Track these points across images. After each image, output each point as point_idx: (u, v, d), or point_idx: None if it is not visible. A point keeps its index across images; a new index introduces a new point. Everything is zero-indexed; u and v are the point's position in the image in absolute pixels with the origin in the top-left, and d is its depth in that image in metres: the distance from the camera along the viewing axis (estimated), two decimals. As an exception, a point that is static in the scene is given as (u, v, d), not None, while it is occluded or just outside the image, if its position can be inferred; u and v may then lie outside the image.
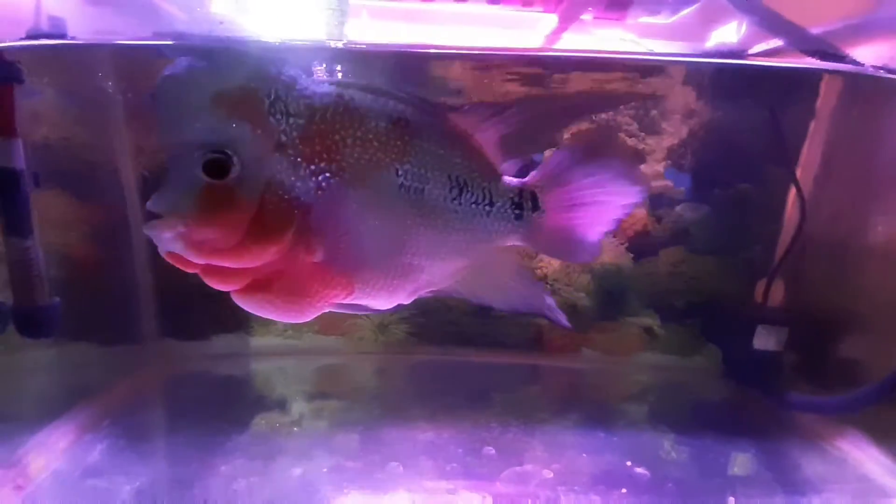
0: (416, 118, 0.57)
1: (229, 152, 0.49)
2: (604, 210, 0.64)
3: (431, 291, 0.64)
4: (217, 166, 0.49)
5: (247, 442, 1.02)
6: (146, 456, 0.97)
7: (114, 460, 0.94)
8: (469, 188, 0.59)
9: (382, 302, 0.60)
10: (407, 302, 0.62)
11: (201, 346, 1.33)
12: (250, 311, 0.56)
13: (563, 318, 0.67)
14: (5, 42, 0.78)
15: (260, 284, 0.54)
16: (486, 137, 0.60)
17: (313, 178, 0.52)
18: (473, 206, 0.60)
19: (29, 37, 0.75)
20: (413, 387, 1.34)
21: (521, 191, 0.61)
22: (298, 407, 1.17)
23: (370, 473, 0.91)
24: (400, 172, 0.56)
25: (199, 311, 1.31)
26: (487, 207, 0.60)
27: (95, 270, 1.18)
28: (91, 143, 1.17)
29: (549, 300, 0.67)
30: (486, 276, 0.65)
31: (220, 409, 1.15)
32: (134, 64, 1.02)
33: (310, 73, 0.56)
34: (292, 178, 0.52)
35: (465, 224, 0.60)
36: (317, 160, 0.53)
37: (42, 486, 0.86)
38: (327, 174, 0.53)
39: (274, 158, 0.51)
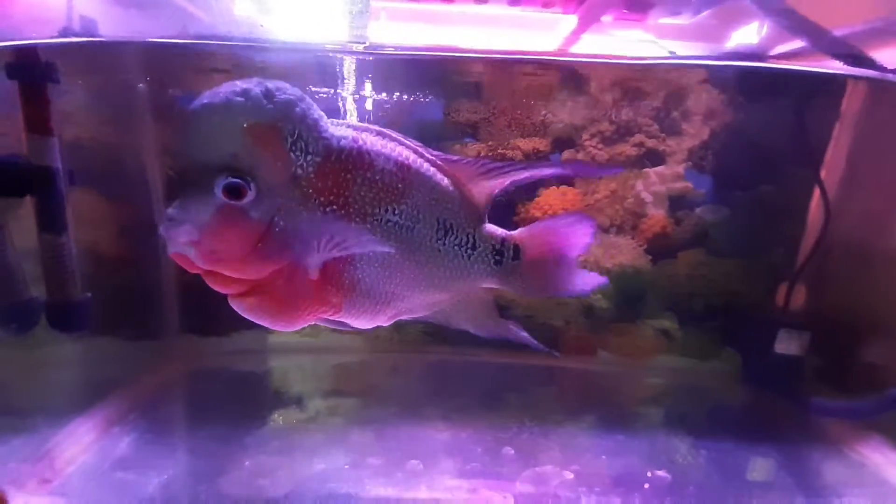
0: (418, 164, 0.64)
1: (248, 178, 0.56)
2: (565, 254, 0.72)
3: (410, 317, 0.71)
4: (235, 189, 0.55)
5: (267, 437, 1.04)
6: (171, 449, 0.99)
7: (140, 453, 0.96)
8: (454, 231, 0.66)
9: (364, 322, 0.67)
10: (386, 324, 0.69)
11: (222, 342, 1.35)
12: (243, 315, 0.60)
13: (533, 341, 0.75)
14: (37, 40, 0.79)
15: (257, 293, 0.59)
16: (478, 189, 0.68)
17: (320, 209, 0.59)
18: (456, 247, 0.67)
19: (61, 36, 0.77)
20: (428, 386, 1.34)
21: (503, 240, 0.69)
22: (317, 404, 1.18)
23: (391, 471, 0.92)
24: (396, 212, 0.63)
25: (219, 309, 1.32)
26: (469, 251, 0.67)
27: (121, 267, 1.20)
28: (119, 142, 1.20)
29: (518, 331, 0.75)
30: (460, 308, 0.72)
31: (241, 404, 1.17)
32: (163, 65, 1.04)
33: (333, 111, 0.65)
34: (301, 207, 0.58)
35: (447, 263, 0.67)
36: (326, 194, 0.59)
37: (70, 479, 0.88)
38: (333, 207, 0.59)
39: (288, 188, 0.58)
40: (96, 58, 0.94)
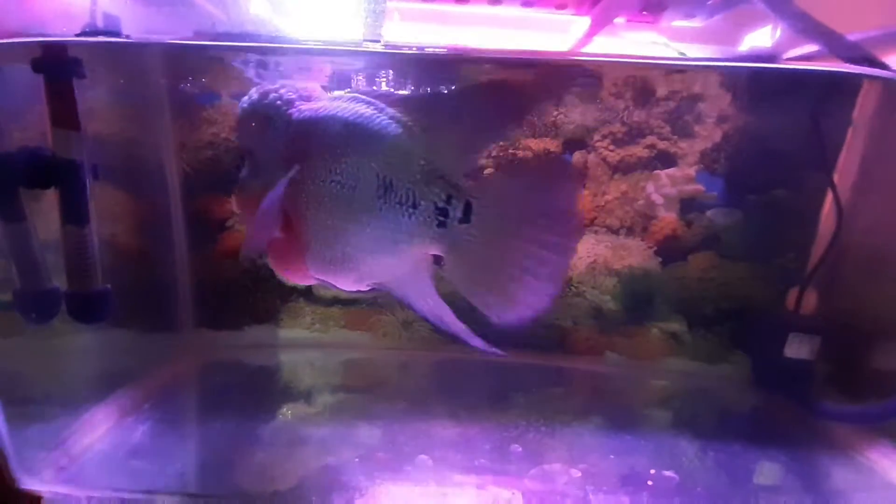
0: (364, 122, 0.63)
1: (244, 156, 0.71)
2: (534, 256, 0.59)
3: (376, 285, 0.68)
4: (238, 165, 0.71)
5: (277, 430, 1.05)
6: (184, 439, 1.01)
7: (154, 443, 0.97)
8: (394, 188, 0.59)
9: (336, 283, 0.69)
10: (364, 289, 0.69)
11: (234, 336, 1.37)
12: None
13: (479, 343, 0.67)
14: (62, 37, 0.81)
15: (269, 249, 0.70)
16: (440, 135, 0.60)
17: (286, 178, 0.65)
18: (397, 205, 0.59)
19: (84, 34, 0.79)
20: (436, 383, 1.35)
21: (449, 197, 0.58)
22: (327, 399, 1.19)
23: (399, 465, 0.93)
24: (338, 171, 0.63)
25: (232, 303, 1.35)
26: (410, 209, 0.59)
27: (138, 261, 1.22)
28: (138, 138, 1.22)
29: (463, 327, 0.68)
30: (415, 283, 0.65)
31: (252, 397, 1.19)
32: (184, 63, 1.06)
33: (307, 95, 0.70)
34: (278, 178, 0.65)
35: (389, 223, 0.60)
36: (287, 165, 0.66)
37: (85, 467, 0.90)
38: (294, 175, 0.65)
39: (271, 163, 0.68)
40: (119, 55, 0.95)
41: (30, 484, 0.83)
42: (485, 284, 0.61)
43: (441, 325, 0.68)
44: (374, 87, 1.06)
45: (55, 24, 0.81)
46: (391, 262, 0.64)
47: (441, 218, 0.59)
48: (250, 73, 0.98)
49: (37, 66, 0.79)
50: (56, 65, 0.79)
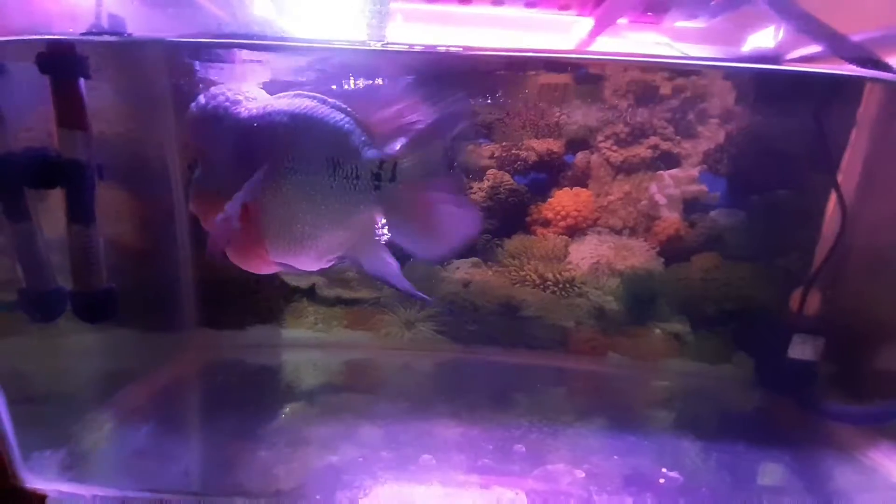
0: (309, 112, 0.69)
1: (195, 159, 0.74)
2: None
3: (337, 258, 0.74)
4: (190, 167, 0.74)
5: (280, 429, 1.05)
6: (188, 439, 1.01)
7: (158, 442, 0.98)
8: (341, 166, 0.69)
9: (297, 263, 0.73)
10: (326, 266, 0.74)
11: (236, 336, 1.38)
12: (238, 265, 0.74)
13: (416, 292, 0.75)
14: (64, 35, 0.82)
15: (230, 243, 0.72)
16: (372, 121, 0.70)
17: (235, 173, 0.69)
18: (344, 181, 0.69)
19: (89, 34, 0.79)
20: (439, 384, 1.35)
21: (381, 162, 0.69)
22: (329, 398, 1.20)
23: (403, 464, 0.93)
24: (289, 159, 0.69)
25: (234, 303, 1.36)
26: (354, 181, 0.69)
27: (141, 260, 1.23)
28: (142, 138, 1.22)
29: (405, 283, 0.75)
30: (367, 248, 0.74)
31: (255, 396, 1.19)
32: (187, 63, 1.07)
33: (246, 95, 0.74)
34: (231, 176, 0.69)
35: (340, 198, 0.70)
36: (236, 158, 0.70)
37: (89, 467, 0.90)
38: (243, 168, 0.69)
39: (224, 162, 0.71)
40: (124, 54, 0.96)
41: (34, 483, 0.83)
42: (415, 230, 0.72)
43: (390, 281, 0.75)
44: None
45: (61, 24, 0.81)
46: (346, 233, 0.72)
47: (377, 182, 0.69)
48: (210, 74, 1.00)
49: (43, 66, 0.80)
50: (62, 65, 0.80)
